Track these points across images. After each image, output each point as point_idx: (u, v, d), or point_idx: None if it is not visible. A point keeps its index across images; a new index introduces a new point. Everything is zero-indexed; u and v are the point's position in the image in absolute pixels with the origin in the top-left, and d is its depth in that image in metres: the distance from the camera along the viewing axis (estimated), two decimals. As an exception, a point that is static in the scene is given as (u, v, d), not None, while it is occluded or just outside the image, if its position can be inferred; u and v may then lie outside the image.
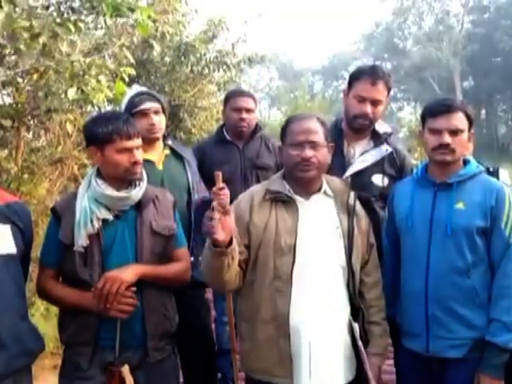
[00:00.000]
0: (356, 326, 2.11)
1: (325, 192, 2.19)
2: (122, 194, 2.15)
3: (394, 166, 2.73)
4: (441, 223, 2.22)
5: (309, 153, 2.07)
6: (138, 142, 2.17)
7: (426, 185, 2.32)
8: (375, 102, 2.65)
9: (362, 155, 2.71)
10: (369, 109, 2.64)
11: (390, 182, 2.68)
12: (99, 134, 2.12)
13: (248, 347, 2.14)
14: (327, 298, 2.07)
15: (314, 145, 2.09)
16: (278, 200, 2.13)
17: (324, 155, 2.12)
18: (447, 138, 2.20)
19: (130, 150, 2.13)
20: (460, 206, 2.21)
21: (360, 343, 2.09)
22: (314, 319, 2.03)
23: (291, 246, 2.06)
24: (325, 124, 2.18)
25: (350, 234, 2.14)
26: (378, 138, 2.76)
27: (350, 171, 2.66)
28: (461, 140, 2.22)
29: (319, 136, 2.11)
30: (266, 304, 2.06)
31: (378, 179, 2.69)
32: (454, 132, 2.20)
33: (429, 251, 2.23)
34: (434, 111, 2.25)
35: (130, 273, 2.08)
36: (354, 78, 2.70)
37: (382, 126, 2.81)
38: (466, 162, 2.31)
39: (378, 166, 2.70)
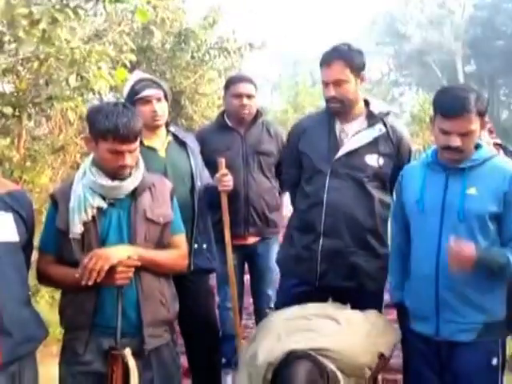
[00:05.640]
0: None
1: None
2: (115, 183, 2.13)
3: (390, 146, 2.66)
4: (453, 208, 2.19)
5: None
6: (132, 145, 2.10)
7: (437, 169, 2.28)
8: (337, 82, 2.58)
9: (354, 135, 2.65)
10: (331, 92, 2.59)
11: (385, 162, 2.63)
12: (96, 127, 2.09)
13: None
14: None
15: None
16: None
17: None
18: (457, 142, 2.14)
19: (120, 153, 2.09)
20: (472, 191, 2.17)
21: None
22: None
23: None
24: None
25: None
26: (373, 118, 2.68)
27: (341, 151, 2.62)
28: (471, 139, 2.17)
29: None
30: None
31: (373, 159, 2.63)
32: (465, 134, 2.14)
33: (440, 235, 2.21)
34: (445, 112, 2.15)
35: (119, 251, 2.07)
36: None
37: (377, 106, 2.74)
38: (477, 147, 2.25)
39: (372, 146, 2.64)
